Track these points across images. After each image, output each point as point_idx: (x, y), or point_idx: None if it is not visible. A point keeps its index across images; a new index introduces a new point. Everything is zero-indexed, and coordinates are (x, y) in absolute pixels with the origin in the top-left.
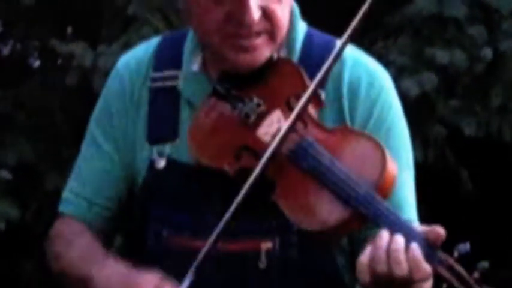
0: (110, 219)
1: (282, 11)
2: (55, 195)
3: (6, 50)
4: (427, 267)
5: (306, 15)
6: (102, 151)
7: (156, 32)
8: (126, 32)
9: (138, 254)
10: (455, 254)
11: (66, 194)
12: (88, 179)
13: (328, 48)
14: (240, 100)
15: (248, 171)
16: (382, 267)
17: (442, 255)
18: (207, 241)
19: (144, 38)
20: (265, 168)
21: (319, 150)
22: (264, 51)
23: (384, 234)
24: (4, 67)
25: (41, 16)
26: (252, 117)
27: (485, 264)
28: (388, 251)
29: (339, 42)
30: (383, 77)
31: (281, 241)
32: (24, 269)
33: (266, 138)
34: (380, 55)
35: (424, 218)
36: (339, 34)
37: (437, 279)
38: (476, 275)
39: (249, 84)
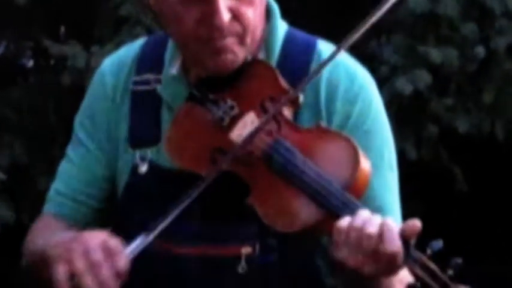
0: (92, 217)
1: (253, 13)
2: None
3: None
4: (398, 243)
5: (295, 14)
6: (84, 149)
7: (149, 32)
8: (119, 33)
9: None
10: (428, 251)
11: (49, 193)
12: (69, 177)
13: (309, 49)
14: (214, 103)
15: (224, 174)
16: (355, 233)
17: (415, 253)
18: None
19: (136, 37)
20: (237, 167)
21: (291, 151)
22: (237, 52)
23: (362, 213)
24: None
25: (34, 16)
26: (226, 120)
27: (458, 260)
28: (364, 224)
29: (320, 45)
30: (363, 78)
31: (261, 246)
32: (20, 271)
33: (239, 140)
34: (373, 54)
35: (418, 215)
36: (330, 33)
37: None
38: (450, 272)
39: (225, 87)
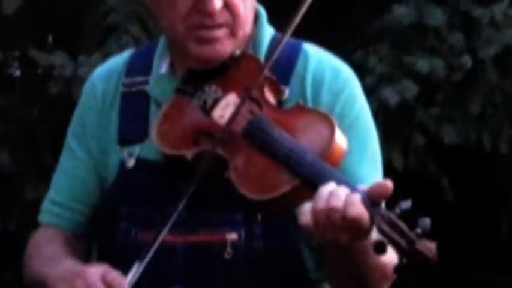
0: (87, 224)
1: (244, 7)
2: (35, 205)
3: None
4: (362, 210)
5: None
6: (76, 159)
7: (136, 41)
8: (106, 42)
9: (108, 253)
10: (397, 210)
11: (44, 204)
12: (63, 187)
13: (294, 48)
14: (199, 90)
15: (204, 155)
16: (319, 213)
17: (383, 211)
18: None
19: (124, 47)
20: (219, 147)
21: (269, 125)
22: (225, 44)
23: (329, 184)
24: None
25: (22, 26)
26: (209, 102)
27: (426, 220)
28: (328, 198)
29: (306, 46)
30: (347, 73)
31: (246, 233)
32: (7, 279)
33: (221, 121)
34: (360, 63)
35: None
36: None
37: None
38: (418, 230)
39: (211, 78)
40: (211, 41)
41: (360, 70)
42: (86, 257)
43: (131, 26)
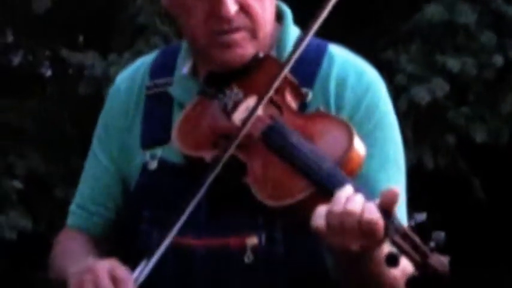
0: (110, 228)
1: (261, 7)
2: (65, 205)
3: (16, 60)
4: (378, 216)
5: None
6: (98, 163)
7: (166, 41)
8: (136, 42)
9: (130, 256)
10: (412, 223)
11: (71, 206)
12: (87, 191)
13: (320, 50)
14: (221, 92)
15: (228, 164)
16: (335, 216)
17: (396, 222)
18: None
19: (154, 47)
20: (236, 149)
21: (287, 129)
22: (247, 47)
23: (346, 188)
24: (15, 77)
25: (52, 25)
26: (230, 105)
27: (441, 234)
28: (345, 203)
29: (331, 47)
30: (371, 75)
31: (267, 237)
32: (37, 279)
33: (241, 124)
34: (390, 63)
35: (435, 225)
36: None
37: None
38: (432, 244)
39: (233, 80)
40: (232, 45)
41: (391, 69)
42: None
43: (160, 26)
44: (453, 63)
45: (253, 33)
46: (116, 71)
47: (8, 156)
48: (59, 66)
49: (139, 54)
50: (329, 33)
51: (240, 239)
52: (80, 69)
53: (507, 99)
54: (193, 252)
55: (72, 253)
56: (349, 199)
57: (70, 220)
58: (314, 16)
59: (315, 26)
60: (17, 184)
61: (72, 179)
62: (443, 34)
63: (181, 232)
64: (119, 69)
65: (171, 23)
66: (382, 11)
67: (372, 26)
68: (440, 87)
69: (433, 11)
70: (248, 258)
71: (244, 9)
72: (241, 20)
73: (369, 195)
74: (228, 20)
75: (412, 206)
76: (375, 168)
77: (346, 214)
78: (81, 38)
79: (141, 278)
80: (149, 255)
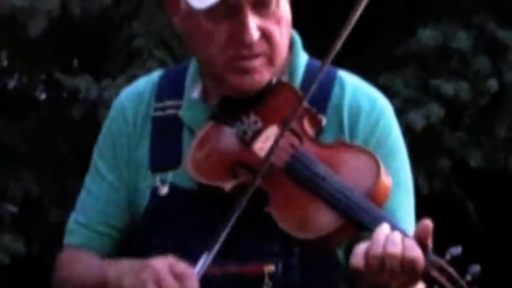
0: (114, 247)
1: (280, 34)
2: (60, 228)
3: (12, 83)
4: (420, 254)
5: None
6: (105, 181)
7: (161, 64)
8: (131, 66)
9: None
10: (447, 256)
11: (70, 225)
12: (91, 209)
13: (330, 76)
14: (237, 119)
15: (244, 187)
16: (376, 258)
17: (433, 256)
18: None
19: (148, 71)
20: (261, 180)
21: (314, 161)
22: (264, 73)
23: (384, 228)
24: (10, 100)
25: (47, 49)
26: (249, 134)
27: (476, 267)
28: (385, 244)
29: (341, 73)
30: (383, 103)
31: (284, 265)
32: None
33: (261, 153)
34: (385, 87)
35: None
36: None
37: (429, 283)
38: (468, 277)
39: (247, 107)
40: (250, 71)
41: (386, 93)
42: None
43: (156, 50)
44: (448, 88)
45: (271, 59)
46: (110, 95)
47: (1, 178)
48: (54, 90)
49: (133, 78)
50: (324, 57)
51: (258, 266)
52: (74, 92)
53: (502, 124)
54: (210, 279)
55: (94, 263)
56: (389, 239)
57: (71, 239)
58: (332, 44)
59: (332, 55)
60: (11, 207)
61: (66, 202)
62: (438, 59)
63: (197, 261)
64: (113, 93)
65: (167, 48)
66: (377, 35)
67: (367, 50)
68: (435, 111)
69: (428, 36)
70: (267, 285)
71: (265, 35)
72: (262, 47)
73: (402, 229)
74: (249, 46)
75: None
76: None
77: (387, 255)
78: (75, 62)
79: (202, 271)
80: (209, 248)
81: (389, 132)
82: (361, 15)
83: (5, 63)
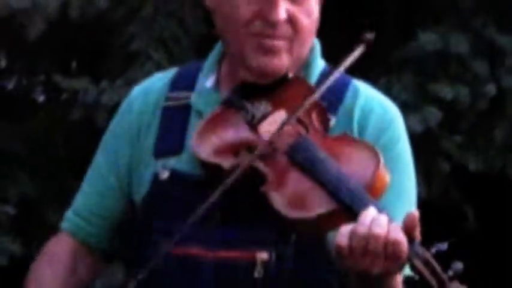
0: (105, 239)
1: (306, 26)
2: (57, 230)
3: (10, 85)
4: (403, 237)
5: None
6: (100, 173)
7: (159, 68)
8: (129, 68)
9: (137, 262)
10: (433, 250)
11: (68, 212)
12: (85, 199)
13: (344, 81)
14: (249, 103)
15: (244, 177)
16: (360, 238)
17: (419, 248)
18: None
19: (147, 73)
20: (258, 159)
21: (316, 147)
22: (283, 58)
23: (371, 210)
24: (8, 102)
25: (45, 51)
26: (257, 117)
27: (459, 264)
28: (371, 225)
29: (355, 81)
30: (395, 112)
31: (277, 253)
32: None
33: (266, 136)
34: (383, 91)
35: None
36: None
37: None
38: (450, 273)
39: (261, 94)
40: (270, 50)
41: None
42: (93, 271)
43: (154, 52)
44: (446, 92)
45: (291, 46)
46: (108, 98)
47: None
48: (52, 92)
49: (132, 80)
50: (326, 61)
51: (251, 253)
52: (73, 94)
53: (500, 128)
54: (201, 263)
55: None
56: (375, 220)
57: (65, 225)
58: (350, 50)
59: (351, 59)
60: (9, 209)
61: (64, 204)
62: (436, 63)
63: (189, 242)
64: (111, 95)
65: (165, 50)
66: (375, 40)
67: (364, 55)
68: (434, 116)
69: (426, 40)
70: (259, 273)
71: (292, 21)
72: (285, 30)
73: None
74: (274, 24)
75: None
76: (389, 202)
77: (372, 236)
78: (74, 64)
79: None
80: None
81: (396, 141)
82: (363, 20)
83: (3, 64)
